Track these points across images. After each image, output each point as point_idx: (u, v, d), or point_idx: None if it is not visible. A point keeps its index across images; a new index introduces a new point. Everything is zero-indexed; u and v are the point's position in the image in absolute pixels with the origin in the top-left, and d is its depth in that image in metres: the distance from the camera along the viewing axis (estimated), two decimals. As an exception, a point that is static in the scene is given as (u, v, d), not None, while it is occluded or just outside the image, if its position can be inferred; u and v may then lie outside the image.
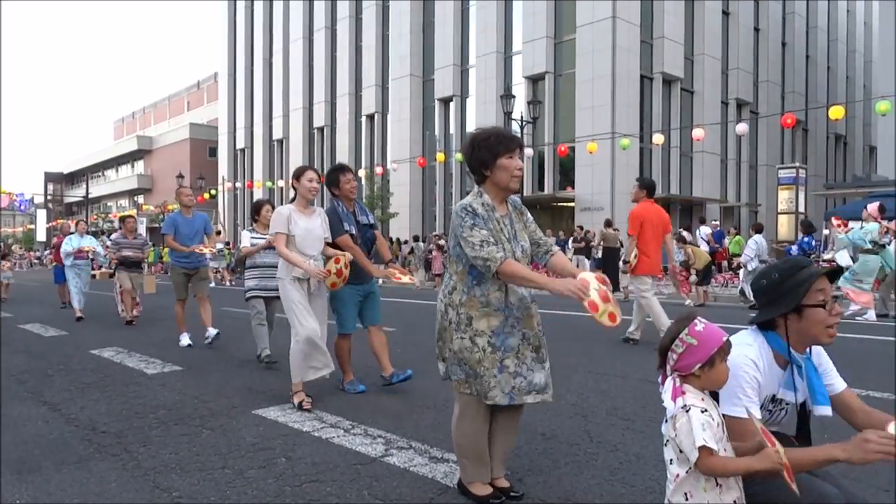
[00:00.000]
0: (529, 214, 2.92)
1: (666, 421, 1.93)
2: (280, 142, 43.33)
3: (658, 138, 21.21)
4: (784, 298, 2.06)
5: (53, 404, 4.67)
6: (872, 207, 10.81)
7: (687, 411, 1.82)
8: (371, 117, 36.96)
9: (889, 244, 10.25)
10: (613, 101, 25.37)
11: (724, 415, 1.97)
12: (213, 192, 38.21)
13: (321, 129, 40.17)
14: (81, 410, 4.47)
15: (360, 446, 3.59)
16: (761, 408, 2.07)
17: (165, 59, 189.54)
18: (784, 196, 22.22)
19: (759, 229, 13.12)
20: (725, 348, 1.88)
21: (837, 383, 2.18)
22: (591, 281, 2.54)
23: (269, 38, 43.87)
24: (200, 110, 60.16)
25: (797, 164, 25.30)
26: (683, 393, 1.87)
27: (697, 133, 19.67)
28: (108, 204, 64.59)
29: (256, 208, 6.41)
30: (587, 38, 26.04)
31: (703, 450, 1.76)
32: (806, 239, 12.06)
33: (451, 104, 32.40)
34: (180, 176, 37.17)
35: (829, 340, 2.07)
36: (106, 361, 6.43)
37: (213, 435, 3.84)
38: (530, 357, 2.71)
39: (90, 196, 49.46)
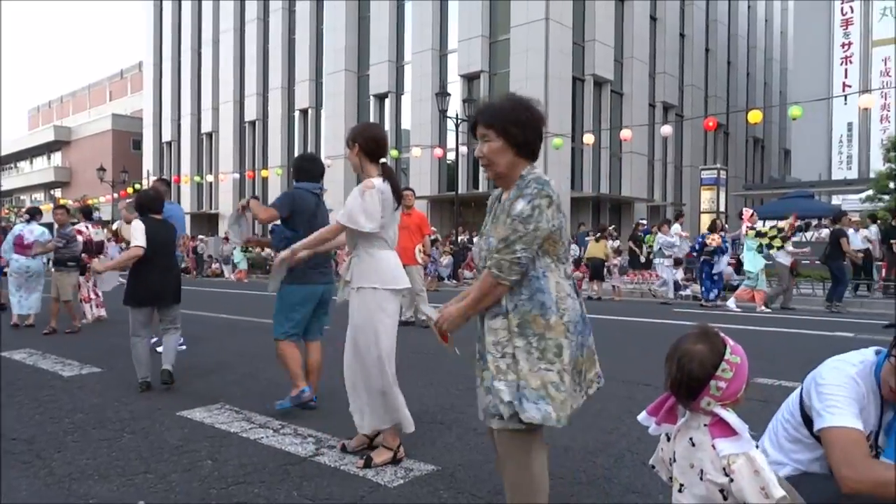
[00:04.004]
0: (515, 207, 2.11)
1: (673, 461, 1.70)
2: (209, 135, 42.01)
3: (589, 138, 21.74)
4: None
5: (-42, 410, 4.38)
6: (747, 213, 11.68)
7: (745, 452, 1.55)
8: (305, 112, 36.32)
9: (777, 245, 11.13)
10: (546, 102, 25.80)
11: (824, 428, 1.73)
12: (137, 186, 36.72)
13: (252, 124, 39.19)
14: (-11, 416, 4.21)
15: (290, 446, 3.53)
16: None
17: (85, 46, 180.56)
18: (706, 196, 23.24)
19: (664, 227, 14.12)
20: None
21: None
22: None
23: (198, 28, 42.43)
24: (124, 100, 57.60)
25: (718, 166, 26.50)
26: (735, 432, 1.57)
27: (626, 134, 20.27)
28: (22, 198, 61.04)
29: (162, 200, 5.53)
30: (521, 39, 26.39)
31: (785, 500, 1.53)
32: (699, 237, 12.71)
33: (387, 100, 32.22)
34: (101, 169, 35.58)
35: (886, 395, 1.81)
36: (17, 364, 6.07)
37: (135, 438, 3.69)
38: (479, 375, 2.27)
39: (1, 189, 46.63)
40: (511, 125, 2.16)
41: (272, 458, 3.35)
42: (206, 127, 41.96)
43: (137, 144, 48.85)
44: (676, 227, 18.68)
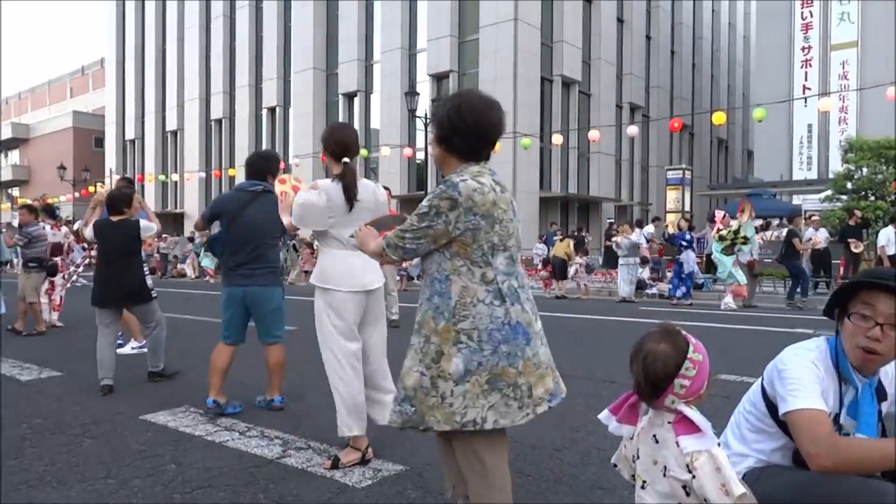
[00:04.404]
0: (421, 203, 2.20)
1: (637, 458, 1.73)
2: (174, 133, 41.29)
3: (557, 138, 21.93)
4: (834, 297, 1.90)
5: None
6: (720, 215, 11.91)
7: (707, 450, 1.58)
8: (272, 110, 35.93)
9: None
10: (515, 102, 25.95)
11: (789, 412, 1.78)
12: (99, 185, 35.90)
13: (219, 122, 38.64)
14: (-58, 422, 4.07)
15: (256, 448, 3.49)
16: None
17: (45, 42, 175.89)
18: (672, 196, 23.63)
19: (639, 226, 14.36)
20: None
21: None
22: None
23: (163, 25, 41.67)
24: (85, 97, 56.22)
25: (683, 166, 26.97)
26: (699, 429, 1.59)
27: (593, 134, 20.48)
28: (-22, 197, 59.25)
29: (128, 200, 5.27)
30: (490, 39, 26.49)
31: (745, 497, 1.55)
32: (689, 236, 12.89)
33: (356, 99, 32.04)
34: (62, 167, 34.68)
35: (859, 363, 1.84)
36: (-27, 368, 5.89)
37: (96, 443, 3.61)
38: None
39: (-43, 188, 45.22)
40: (445, 132, 2.16)
41: (238, 460, 3.30)
42: (172, 125, 41.23)
43: (99, 142, 47.75)
44: (650, 228, 18.97)
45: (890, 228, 11.09)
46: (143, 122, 43.30)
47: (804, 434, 1.75)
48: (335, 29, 32.49)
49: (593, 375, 5.36)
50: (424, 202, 2.10)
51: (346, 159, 3.25)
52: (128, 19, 43.91)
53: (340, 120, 32.19)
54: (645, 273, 14.77)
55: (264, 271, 4.14)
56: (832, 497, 1.74)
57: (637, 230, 14.00)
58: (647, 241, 17.33)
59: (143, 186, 39.02)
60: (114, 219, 5.18)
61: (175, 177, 37.29)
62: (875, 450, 1.70)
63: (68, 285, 9.56)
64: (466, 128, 2.12)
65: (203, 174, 35.00)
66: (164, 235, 29.91)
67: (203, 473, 3.12)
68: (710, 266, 15.97)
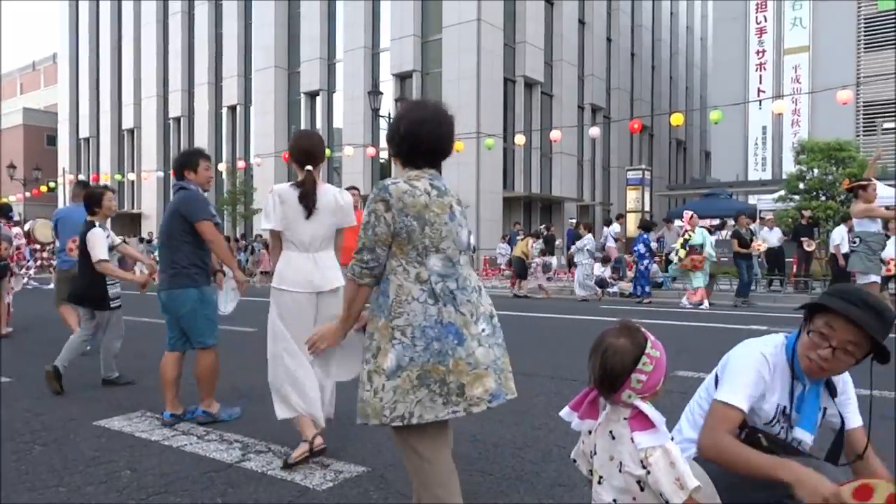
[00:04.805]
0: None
1: (594, 454, 1.76)
2: (131, 131, 40.31)
3: (520, 139, 22.07)
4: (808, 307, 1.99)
5: None
6: (688, 215, 12.16)
7: (661, 445, 1.62)
8: (233, 109, 35.36)
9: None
10: (478, 102, 26.04)
11: (719, 401, 1.91)
12: (51, 184, 34.88)
13: (178, 120, 37.86)
14: None
15: (215, 453, 3.43)
16: (773, 420, 2.00)
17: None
18: (632, 196, 23.98)
19: (588, 228, 14.62)
20: None
21: (852, 418, 2.07)
22: None
23: (118, 20, 40.64)
24: (37, 94, 54.55)
25: (643, 167, 27.40)
26: (653, 424, 1.63)
27: (555, 135, 20.67)
28: (-77, 196, 56.96)
29: (97, 198, 5.22)
30: (453, 39, 26.53)
31: (699, 490, 1.59)
32: (645, 236, 13.13)
33: (318, 98, 31.75)
34: (11, 166, 33.59)
35: (807, 370, 1.97)
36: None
37: (47, 451, 3.50)
38: None
39: None
40: (390, 140, 2.32)
41: (196, 465, 3.24)
42: (128, 123, 40.25)
43: (52, 140, 46.37)
44: (616, 226, 19.28)
45: (843, 227, 11.44)
46: (97, 120, 42.15)
47: (707, 422, 1.93)
48: (297, 27, 32.13)
49: (555, 374, 5.41)
50: (364, 213, 2.20)
51: (308, 167, 3.31)
52: (81, 13, 42.69)
53: (303, 119, 31.91)
54: (606, 272, 14.98)
55: (171, 273, 3.95)
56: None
57: (588, 234, 14.25)
58: (615, 239, 17.63)
59: (98, 186, 37.97)
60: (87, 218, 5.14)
61: (132, 176, 36.42)
62: (748, 463, 1.80)
63: (18, 288, 9.24)
64: (402, 139, 2.25)
65: (161, 173, 34.26)
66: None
67: (159, 479, 3.06)
68: (669, 265, 16.30)
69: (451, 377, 2.12)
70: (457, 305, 2.18)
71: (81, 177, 38.94)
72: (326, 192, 3.33)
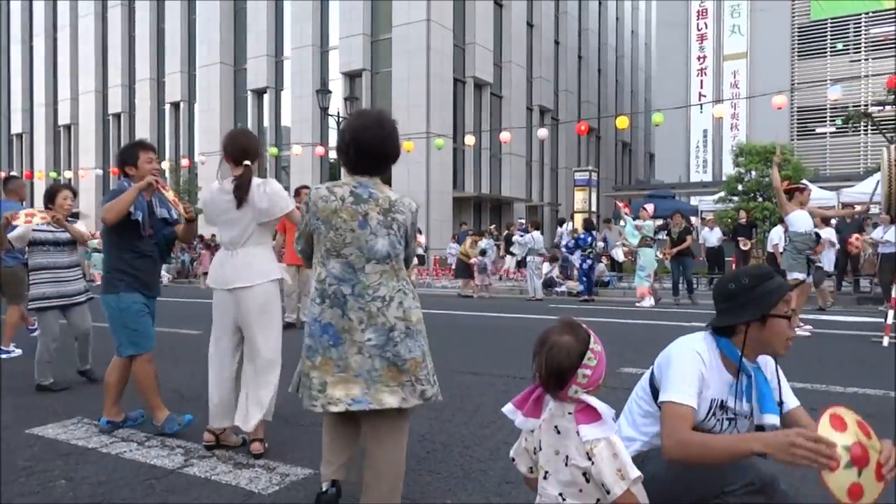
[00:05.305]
0: None
1: (539, 450, 1.78)
2: (67, 128, 38.79)
3: (469, 139, 22.17)
4: (752, 305, 1.98)
5: None
6: (650, 207, 12.47)
7: (606, 437, 1.65)
8: (176, 105, 34.43)
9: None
10: (428, 102, 26.07)
11: (665, 402, 1.91)
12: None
13: (118, 116, 36.65)
14: None
15: (156, 459, 3.33)
16: (710, 414, 2.02)
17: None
18: (579, 196, 24.40)
19: (536, 226, 14.85)
20: None
21: (790, 400, 2.12)
22: None
23: (53, 11, 39.04)
24: (-35, 87, 51.90)
25: (590, 168, 27.90)
26: (600, 416, 1.67)
27: (504, 136, 20.86)
28: None
29: (51, 194, 5.15)
30: (403, 39, 26.48)
31: (639, 480, 1.64)
32: (584, 235, 13.39)
33: (266, 96, 31.22)
34: (-62, 163, 31.84)
35: (785, 353, 2.03)
36: None
37: (-26, 461, 3.33)
38: None
39: None
40: (340, 154, 2.48)
41: (135, 473, 3.14)
42: (64, 118, 38.74)
43: (-19, 136, 44.20)
44: (570, 225, 19.55)
45: (779, 227, 11.94)
46: (31, 116, 40.41)
47: (666, 425, 1.91)
48: (243, 23, 31.51)
49: (503, 372, 5.47)
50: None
51: (247, 162, 3.33)
52: (13, 3, 40.83)
53: (249, 116, 31.36)
54: (555, 271, 15.20)
55: (102, 277, 3.82)
56: (708, 475, 1.89)
57: (536, 231, 14.45)
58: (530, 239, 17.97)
59: (32, 184, 36.40)
60: None
61: (69, 174, 35.02)
62: (717, 448, 1.81)
63: None
64: (348, 146, 2.38)
65: (100, 171, 33.08)
66: None
67: (97, 488, 2.95)
68: (615, 265, 16.67)
69: (314, 373, 2.35)
70: (345, 310, 2.30)
71: (14, 173, 37.22)
72: (257, 186, 3.34)
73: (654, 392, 2.10)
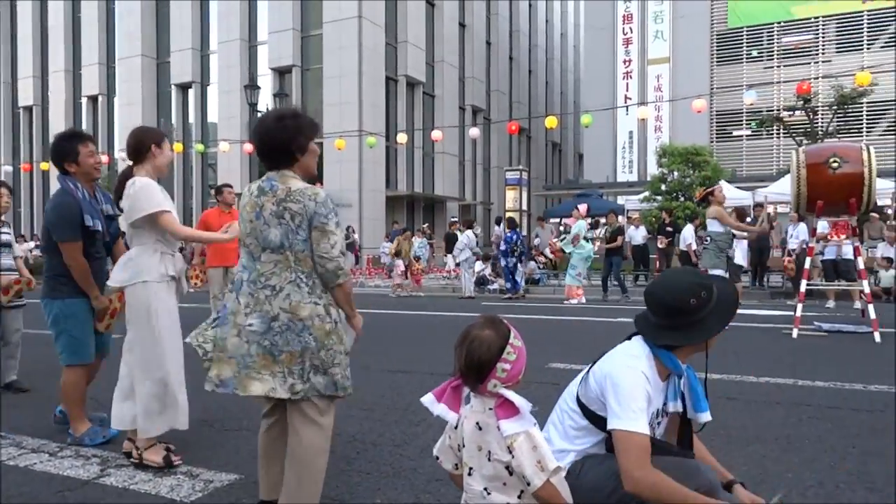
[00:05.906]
0: None
1: (463, 446, 1.79)
2: (-27, 121, 36.42)
3: (402, 138, 22.12)
4: (700, 327, 2.01)
5: None
6: (582, 208, 12.79)
7: (525, 430, 1.67)
8: (94, 99, 32.85)
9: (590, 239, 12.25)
10: (360, 100, 25.85)
11: (621, 430, 1.87)
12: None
13: (29, 109, 34.65)
14: None
15: (70, 470, 3.16)
16: (651, 423, 2.00)
17: None
18: (511, 195, 24.78)
19: (469, 225, 15.04)
20: None
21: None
22: None
23: (-44, -4, 36.55)
24: None
25: (521, 167, 28.38)
26: (518, 410, 1.68)
27: (436, 135, 20.92)
28: None
29: None
30: (334, 35, 26.14)
31: (559, 470, 1.68)
32: (509, 234, 13.60)
33: (191, 91, 30.20)
34: None
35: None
36: None
37: None
38: None
39: None
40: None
41: (46, 485, 2.97)
42: (-31, 111, 36.33)
43: None
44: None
45: (689, 227, 12.52)
46: (-68, 107, 37.73)
47: (630, 457, 1.86)
48: (166, 15, 30.37)
49: (434, 370, 5.48)
50: None
51: (128, 161, 3.36)
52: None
53: (174, 112, 30.33)
54: (487, 270, 15.37)
55: (44, 281, 3.58)
56: None
57: (469, 230, 14.60)
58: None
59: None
60: None
61: (-26, 170, 32.90)
62: (679, 497, 1.82)
63: None
64: (254, 143, 2.49)
65: (10, 167, 31.26)
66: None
67: None
68: (552, 262, 16.99)
69: (213, 352, 2.42)
70: (239, 294, 2.40)
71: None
72: (126, 188, 3.24)
73: (582, 406, 2.08)
